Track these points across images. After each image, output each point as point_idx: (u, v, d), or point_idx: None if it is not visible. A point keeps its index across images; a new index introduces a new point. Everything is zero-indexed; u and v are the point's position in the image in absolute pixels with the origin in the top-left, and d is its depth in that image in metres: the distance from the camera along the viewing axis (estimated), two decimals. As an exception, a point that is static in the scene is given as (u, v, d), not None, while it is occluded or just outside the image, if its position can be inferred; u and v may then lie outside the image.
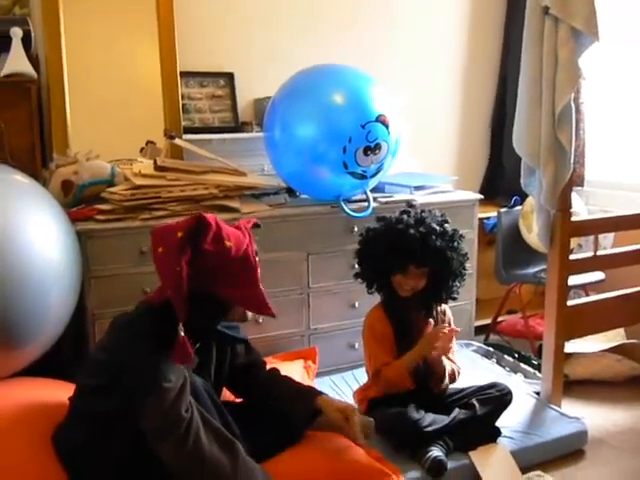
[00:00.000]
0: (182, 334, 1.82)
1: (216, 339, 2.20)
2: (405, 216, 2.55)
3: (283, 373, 2.36)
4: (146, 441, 1.85)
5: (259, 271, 2.04)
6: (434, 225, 2.51)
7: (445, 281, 2.57)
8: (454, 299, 2.67)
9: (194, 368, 2.03)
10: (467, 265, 2.63)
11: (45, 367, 2.39)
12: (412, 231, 2.47)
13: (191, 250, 1.87)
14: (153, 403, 1.81)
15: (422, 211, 2.59)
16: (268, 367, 2.38)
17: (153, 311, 1.96)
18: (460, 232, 2.60)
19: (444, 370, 2.53)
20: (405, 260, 2.49)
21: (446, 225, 2.56)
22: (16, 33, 2.83)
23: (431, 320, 2.59)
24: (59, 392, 2.18)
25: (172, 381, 1.84)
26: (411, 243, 2.46)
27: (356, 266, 2.69)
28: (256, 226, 2.20)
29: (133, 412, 1.84)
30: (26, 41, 2.87)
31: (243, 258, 1.98)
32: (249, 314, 2.12)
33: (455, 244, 2.54)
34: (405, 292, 2.57)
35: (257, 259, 2.04)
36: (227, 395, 2.36)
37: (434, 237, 2.48)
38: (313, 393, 2.24)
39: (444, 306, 2.72)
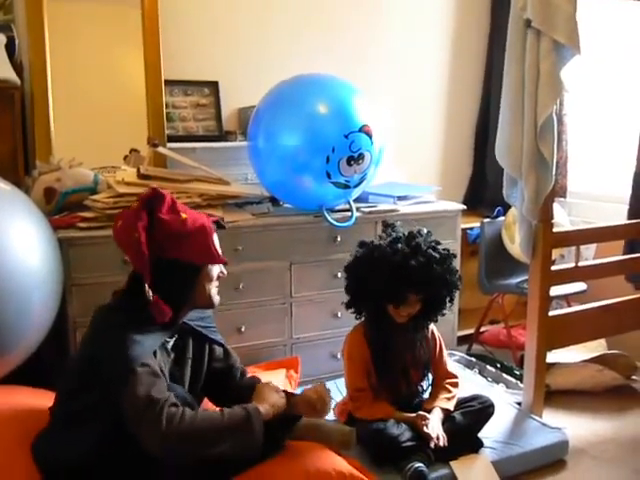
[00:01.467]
0: (152, 295, 1.93)
1: (193, 336, 2.21)
2: (399, 245, 2.46)
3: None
4: (128, 443, 1.85)
5: (215, 239, 2.10)
6: (431, 252, 2.45)
7: (441, 303, 2.54)
8: (443, 315, 2.64)
9: (171, 365, 2.06)
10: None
11: (25, 376, 2.36)
12: (413, 262, 2.41)
13: (147, 217, 1.96)
14: (128, 390, 1.83)
15: (411, 234, 2.52)
16: (249, 375, 2.38)
17: (124, 294, 2.04)
18: (451, 251, 2.55)
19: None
20: (405, 291, 2.45)
21: (440, 247, 2.51)
22: (0, 39, 2.82)
23: (426, 417, 2.48)
24: (39, 400, 2.17)
25: (149, 365, 1.88)
26: (413, 275, 2.41)
27: (345, 297, 2.61)
28: (219, 225, 2.22)
29: (112, 406, 1.85)
30: (10, 47, 2.86)
31: (199, 228, 2.04)
32: (216, 298, 2.16)
33: (452, 266, 2.51)
34: (402, 319, 2.53)
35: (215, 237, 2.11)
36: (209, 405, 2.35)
37: (435, 265, 2.43)
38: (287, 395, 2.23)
39: (431, 326, 2.69)
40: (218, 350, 2.30)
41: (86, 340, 2.04)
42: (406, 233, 2.53)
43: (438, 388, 2.63)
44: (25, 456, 1.98)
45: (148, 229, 1.96)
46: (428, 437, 2.37)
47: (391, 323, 2.55)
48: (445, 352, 2.72)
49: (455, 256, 2.58)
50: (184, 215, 2.03)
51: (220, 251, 2.11)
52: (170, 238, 1.99)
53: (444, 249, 2.52)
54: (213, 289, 2.14)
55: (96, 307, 2.08)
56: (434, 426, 2.41)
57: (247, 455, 1.98)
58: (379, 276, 2.44)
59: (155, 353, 1.96)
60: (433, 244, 2.50)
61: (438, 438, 2.38)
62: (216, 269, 2.13)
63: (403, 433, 2.40)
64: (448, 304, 2.57)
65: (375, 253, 2.49)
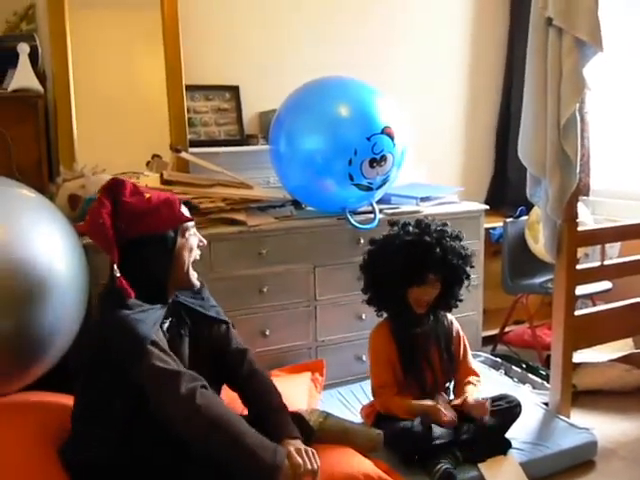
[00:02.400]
0: (118, 275, 1.96)
1: (191, 316, 2.20)
2: (410, 228, 2.55)
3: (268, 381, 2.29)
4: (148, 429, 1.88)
5: (183, 208, 2.13)
6: (443, 228, 2.54)
7: (457, 284, 2.56)
8: (461, 301, 2.65)
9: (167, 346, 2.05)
10: (472, 269, 2.63)
11: (51, 381, 2.38)
12: (427, 238, 2.47)
13: (111, 204, 2.01)
14: (144, 365, 1.86)
15: (419, 220, 2.59)
16: (252, 366, 2.28)
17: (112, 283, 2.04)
18: (459, 232, 2.60)
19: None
20: (423, 269, 2.48)
21: (448, 227, 2.58)
22: (23, 49, 2.84)
23: (444, 395, 2.58)
24: (65, 406, 2.18)
25: (157, 343, 1.91)
26: (429, 251, 2.45)
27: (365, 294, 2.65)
28: (187, 203, 2.30)
29: (126, 387, 1.87)
30: (33, 57, 2.88)
31: (163, 201, 2.07)
32: (196, 281, 2.16)
33: (463, 244, 2.56)
34: (422, 307, 2.55)
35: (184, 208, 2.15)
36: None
37: (448, 239, 2.50)
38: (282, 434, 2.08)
39: (450, 317, 2.71)
40: (220, 329, 2.27)
41: (90, 328, 2.11)
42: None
43: (462, 385, 2.63)
44: (51, 461, 1.99)
45: (113, 214, 2.00)
46: (448, 422, 2.39)
47: (413, 316, 2.57)
48: (469, 352, 2.73)
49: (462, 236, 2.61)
50: (147, 195, 2.07)
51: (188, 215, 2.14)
52: (137, 217, 2.02)
53: (455, 229, 2.59)
54: (192, 270, 2.15)
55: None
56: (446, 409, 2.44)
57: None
58: (396, 259, 2.50)
59: (158, 330, 1.99)
60: (442, 224, 2.57)
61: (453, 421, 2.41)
62: (194, 238, 2.15)
63: (432, 432, 2.39)
64: (464, 287, 2.59)
65: (387, 241, 2.56)
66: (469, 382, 2.63)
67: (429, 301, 2.56)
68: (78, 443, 2.00)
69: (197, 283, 2.18)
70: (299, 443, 2.02)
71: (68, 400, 2.25)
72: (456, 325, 2.73)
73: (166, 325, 2.10)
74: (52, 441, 2.05)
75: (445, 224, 2.60)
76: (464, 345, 2.70)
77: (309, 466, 1.94)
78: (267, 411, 2.13)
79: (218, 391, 2.21)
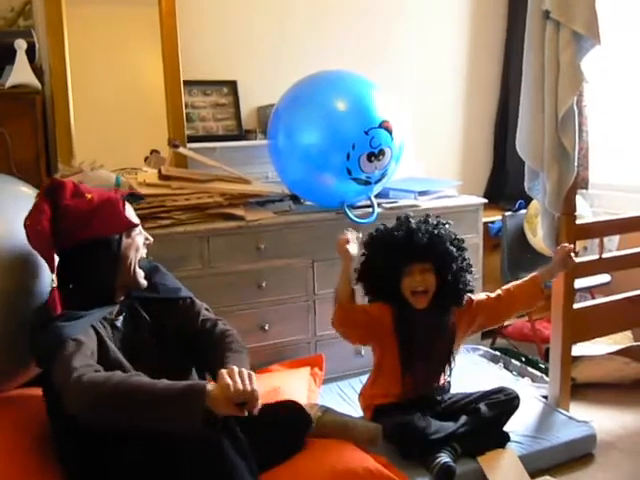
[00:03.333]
0: (54, 286, 1.95)
1: (147, 304, 2.14)
2: (391, 225, 2.58)
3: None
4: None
5: (126, 209, 2.08)
6: (421, 219, 2.56)
7: (449, 272, 2.50)
8: (471, 291, 2.62)
9: (123, 339, 2.02)
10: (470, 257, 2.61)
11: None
12: (401, 231, 2.50)
13: (50, 209, 1.96)
14: (55, 364, 1.81)
15: (404, 215, 2.61)
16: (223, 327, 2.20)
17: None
18: (442, 219, 2.60)
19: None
20: (405, 259, 2.48)
21: (432, 217, 2.59)
22: (20, 45, 2.84)
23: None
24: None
25: (78, 340, 1.84)
26: (403, 239, 2.48)
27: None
28: (134, 197, 2.23)
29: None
30: (30, 53, 2.88)
31: (106, 200, 2.03)
32: (143, 281, 2.11)
33: (440, 230, 2.52)
34: (419, 301, 2.52)
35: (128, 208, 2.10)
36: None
37: (425, 227, 2.50)
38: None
39: (467, 296, 2.64)
40: (182, 305, 2.21)
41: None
42: None
43: (519, 287, 2.70)
44: (50, 458, 1.99)
45: (52, 220, 1.95)
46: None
47: (415, 312, 2.54)
48: (482, 294, 2.74)
49: (448, 223, 2.60)
50: (89, 195, 2.03)
51: (133, 218, 2.09)
52: (79, 221, 1.98)
53: (436, 217, 2.60)
54: (138, 269, 2.10)
55: None
56: None
57: (183, 430, 1.74)
58: (377, 254, 2.53)
59: (94, 331, 1.92)
60: (425, 217, 2.58)
61: None
62: (140, 238, 2.11)
63: (430, 425, 2.40)
64: (465, 277, 2.55)
65: (369, 241, 2.58)
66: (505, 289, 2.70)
67: (425, 293, 2.52)
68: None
69: (144, 283, 2.13)
70: (235, 368, 1.79)
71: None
72: (476, 297, 2.69)
73: (120, 322, 2.07)
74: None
75: (428, 215, 2.60)
76: (476, 302, 2.67)
77: (240, 386, 1.70)
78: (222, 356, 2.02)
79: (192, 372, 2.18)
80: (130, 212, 2.10)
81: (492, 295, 2.70)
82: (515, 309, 2.73)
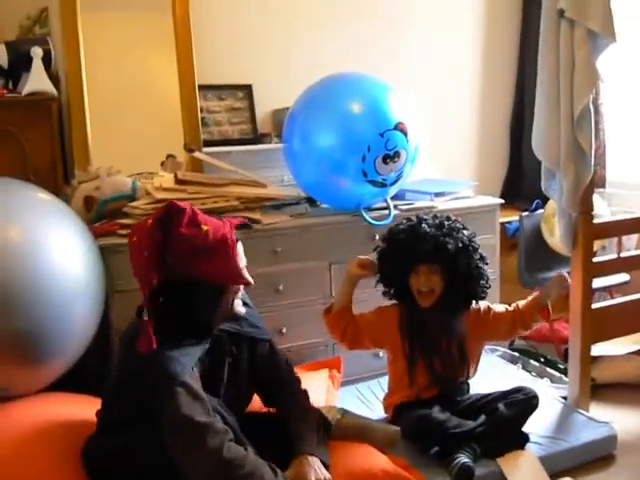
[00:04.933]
0: (146, 318, 1.86)
1: (232, 339, 2.15)
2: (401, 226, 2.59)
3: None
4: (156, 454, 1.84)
5: (238, 252, 2.04)
6: (441, 220, 2.54)
7: (461, 277, 2.50)
8: (483, 298, 2.61)
9: (204, 373, 1.99)
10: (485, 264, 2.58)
11: (71, 382, 2.40)
12: (406, 232, 2.52)
13: (162, 236, 1.89)
14: (169, 408, 1.80)
15: (422, 214, 2.61)
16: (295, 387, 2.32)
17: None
18: (455, 219, 2.59)
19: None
20: (410, 259, 2.50)
21: (450, 220, 2.56)
22: (37, 53, 2.87)
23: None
24: (85, 407, 2.19)
25: (188, 384, 1.83)
26: (406, 240, 2.50)
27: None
28: (243, 226, 2.23)
29: (149, 421, 1.83)
30: (46, 60, 2.91)
31: (221, 240, 1.96)
32: (241, 309, 2.12)
33: (447, 238, 2.48)
34: (425, 300, 2.54)
35: (239, 247, 2.06)
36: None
37: (445, 229, 2.49)
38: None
39: (479, 304, 2.66)
40: (262, 348, 2.25)
41: (123, 357, 2.03)
42: None
43: (523, 308, 2.66)
44: (74, 461, 2.00)
45: (161, 247, 1.89)
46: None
47: (422, 310, 2.56)
48: (498, 306, 2.72)
49: (459, 223, 2.57)
50: (205, 227, 1.94)
51: (244, 264, 2.06)
52: (192, 256, 1.91)
53: (449, 217, 2.58)
54: (237, 301, 2.09)
55: (129, 324, 2.07)
56: None
57: None
58: (385, 256, 2.57)
59: (193, 369, 1.91)
60: (445, 217, 2.58)
61: None
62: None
63: (450, 419, 2.40)
64: (480, 284, 2.54)
65: (381, 241, 2.64)
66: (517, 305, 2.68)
67: (431, 293, 2.53)
68: (96, 445, 2.00)
69: (242, 311, 2.12)
70: (315, 461, 2.02)
71: (88, 402, 2.28)
72: (487, 306, 2.69)
73: (204, 354, 2.01)
74: (73, 442, 2.06)
75: (448, 217, 2.58)
76: (493, 313, 2.67)
77: None
78: (296, 420, 2.16)
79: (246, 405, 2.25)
80: (240, 252, 2.06)
81: (510, 309, 2.69)
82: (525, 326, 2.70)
